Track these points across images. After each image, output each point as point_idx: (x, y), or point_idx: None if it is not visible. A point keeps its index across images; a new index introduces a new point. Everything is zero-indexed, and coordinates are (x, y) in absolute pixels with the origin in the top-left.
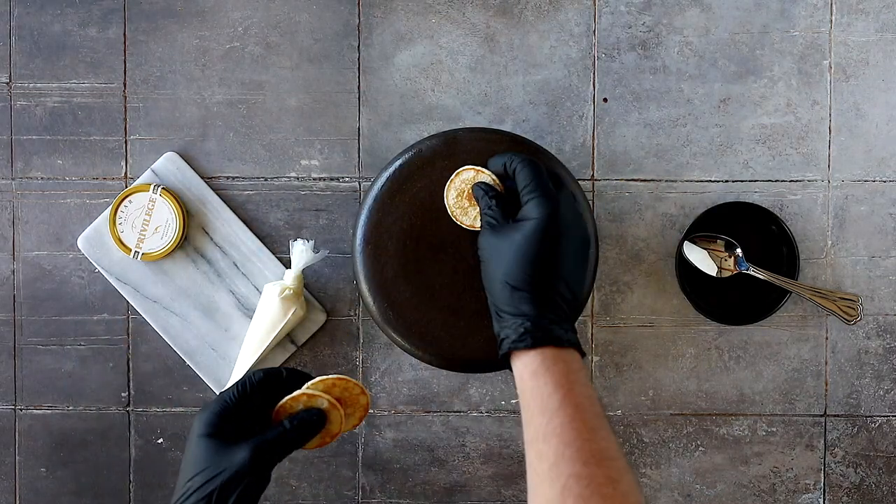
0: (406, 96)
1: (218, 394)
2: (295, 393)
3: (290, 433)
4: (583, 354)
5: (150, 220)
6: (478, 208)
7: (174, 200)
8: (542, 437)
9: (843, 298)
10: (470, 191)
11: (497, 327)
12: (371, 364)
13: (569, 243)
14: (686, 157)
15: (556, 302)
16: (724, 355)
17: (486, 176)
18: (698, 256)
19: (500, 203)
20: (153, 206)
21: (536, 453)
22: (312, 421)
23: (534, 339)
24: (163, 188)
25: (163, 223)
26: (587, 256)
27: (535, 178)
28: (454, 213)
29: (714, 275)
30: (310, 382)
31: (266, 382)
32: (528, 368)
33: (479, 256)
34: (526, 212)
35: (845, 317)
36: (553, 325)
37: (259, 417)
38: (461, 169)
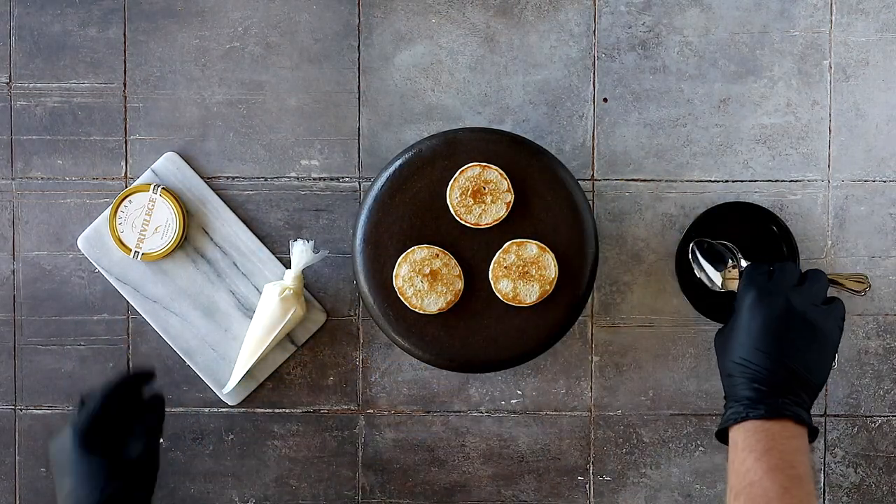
0: (406, 96)
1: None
2: None
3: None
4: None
5: (150, 220)
6: (483, 205)
7: (174, 200)
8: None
9: (852, 274)
10: (474, 188)
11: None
12: (371, 364)
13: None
14: (686, 157)
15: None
16: None
17: (493, 171)
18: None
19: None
20: (153, 206)
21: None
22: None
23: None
24: (163, 188)
25: (163, 223)
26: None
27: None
28: (458, 212)
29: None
30: None
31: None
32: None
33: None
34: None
35: (856, 288)
36: (790, 401)
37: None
38: (465, 167)
